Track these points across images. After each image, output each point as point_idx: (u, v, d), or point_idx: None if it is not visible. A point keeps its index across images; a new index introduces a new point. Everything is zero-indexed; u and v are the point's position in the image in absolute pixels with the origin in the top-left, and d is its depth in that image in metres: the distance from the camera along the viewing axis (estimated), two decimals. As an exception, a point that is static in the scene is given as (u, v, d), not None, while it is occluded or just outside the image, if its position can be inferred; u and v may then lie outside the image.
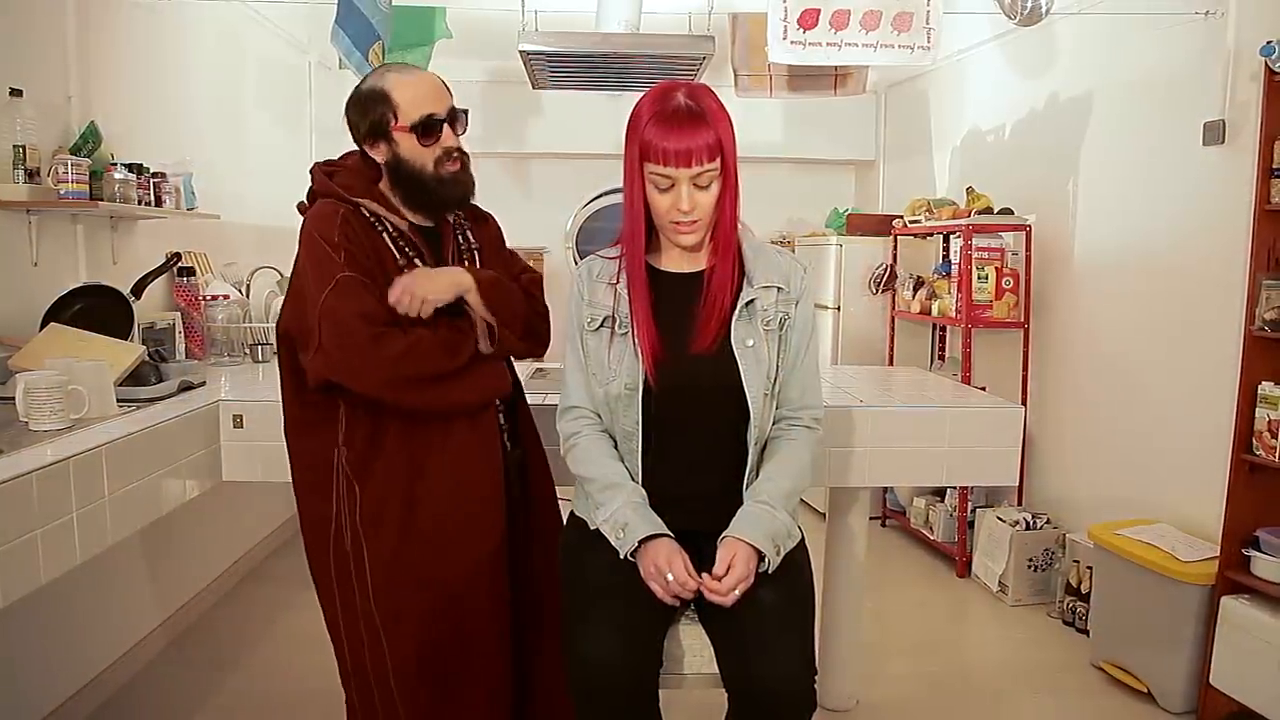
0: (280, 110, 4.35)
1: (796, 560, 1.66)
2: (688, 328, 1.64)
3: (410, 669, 1.77)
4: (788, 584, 1.60)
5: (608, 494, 1.63)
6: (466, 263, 1.86)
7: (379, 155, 1.78)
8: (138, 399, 2.17)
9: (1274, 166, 2.48)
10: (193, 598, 3.32)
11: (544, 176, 5.70)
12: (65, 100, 2.61)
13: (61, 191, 2.37)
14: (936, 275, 4.31)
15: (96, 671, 2.71)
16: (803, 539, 1.72)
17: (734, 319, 1.63)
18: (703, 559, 1.59)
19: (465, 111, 1.80)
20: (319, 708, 2.48)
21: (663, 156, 1.53)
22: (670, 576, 1.54)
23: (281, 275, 3.53)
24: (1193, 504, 2.99)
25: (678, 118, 1.53)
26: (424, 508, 1.76)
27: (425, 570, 1.76)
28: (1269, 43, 2.41)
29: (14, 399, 1.93)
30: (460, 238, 1.89)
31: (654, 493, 1.65)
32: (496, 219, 2.02)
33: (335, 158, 1.89)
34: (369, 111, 1.75)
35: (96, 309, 2.46)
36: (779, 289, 1.66)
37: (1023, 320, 3.86)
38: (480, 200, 1.88)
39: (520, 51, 2.55)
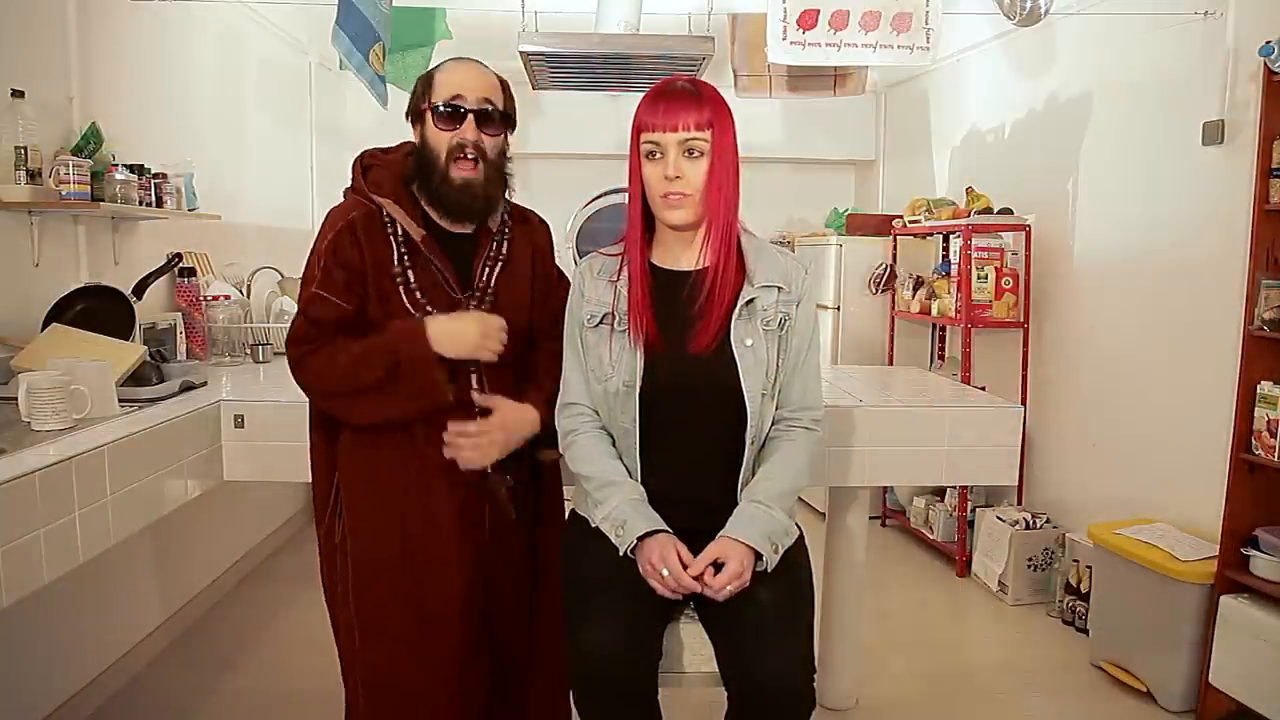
0: (281, 110, 4.35)
1: (795, 559, 1.66)
2: (687, 325, 1.64)
3: (379, 679, 1.78)
4: (786, 583, 1.61)
5: (606, 491, 1.64)
6: (487, 274, 1.80)
7: (415, 138, 1.77)
8: (139, 399, 2.18)
9: (1273, 166, 2.48)
10: (195, 596, 3.32)
11: (544, 177, 5.70)
12: (67, 101, 2.62)
13: (63, 193, 2.38)
14: (936, 275, 4.31)
15: (98, 671, 2.72)
16: (801, 537, 1.72)
17: (734, 318, 1.63)
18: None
19: (507, 117, 1.75)
20: (319, 708, 2.50)
21: (650, 125, 1.58)
22: (665, 571, 1.54)
23: (283, 276, 3.54)
24: (1191, 504, 3.00)
25: (670, 93, 1.60)
26: (394, 522, 1.77)
27: (399, 585, 1.76)
28: (1268, 43, 2.41)
29: (16, 399, 1.94)
30: (495, 246, 1.82)
31: (651, 491, 1.65)
32: (548, 226, 1.93)
33: (390, 145, 1.85)
34: (416, 89, 1.75)
35: (98, 310, 2.46)
36: (779, 289, 1.66)
37: (1022, 320, 3.87)
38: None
39: (520, 52, 2.56)
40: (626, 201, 1.69)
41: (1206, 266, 2.95)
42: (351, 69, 2.61)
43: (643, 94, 1.63)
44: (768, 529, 1.59)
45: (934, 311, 4.17)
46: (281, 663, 3.01)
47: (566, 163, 5.44)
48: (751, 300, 1.64)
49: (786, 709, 1.50)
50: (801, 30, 2.44)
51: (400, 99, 3.00)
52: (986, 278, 3.83)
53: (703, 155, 1.59)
